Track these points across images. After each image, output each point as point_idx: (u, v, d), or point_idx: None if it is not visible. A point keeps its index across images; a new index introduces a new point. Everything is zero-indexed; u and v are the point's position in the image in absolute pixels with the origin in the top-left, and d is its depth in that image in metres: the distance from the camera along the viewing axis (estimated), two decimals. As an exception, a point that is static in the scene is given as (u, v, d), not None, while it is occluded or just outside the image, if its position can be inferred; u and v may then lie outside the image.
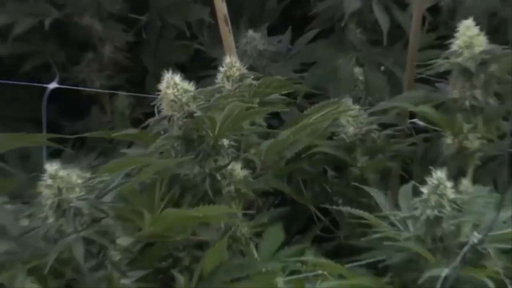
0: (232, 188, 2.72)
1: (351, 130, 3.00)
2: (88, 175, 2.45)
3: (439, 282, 2.43)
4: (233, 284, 2.51)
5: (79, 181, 2.39)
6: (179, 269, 2.65)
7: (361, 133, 3.01)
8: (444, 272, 2.42)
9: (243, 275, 2.55)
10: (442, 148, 2.91)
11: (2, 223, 2.60)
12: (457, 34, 2.81)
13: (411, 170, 3.02)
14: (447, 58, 2.83)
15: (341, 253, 2.81)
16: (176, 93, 2.58)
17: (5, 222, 2.60)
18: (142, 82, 3.34)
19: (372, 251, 2.66)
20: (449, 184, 2.49)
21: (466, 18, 2.82)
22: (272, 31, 3.49)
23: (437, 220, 2.50)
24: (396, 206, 2.68)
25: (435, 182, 2.48)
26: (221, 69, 2.88)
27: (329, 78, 3.31)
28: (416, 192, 2.53)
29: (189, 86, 2.59)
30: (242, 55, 3.09)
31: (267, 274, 2.54)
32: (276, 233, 2.79)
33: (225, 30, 3.17)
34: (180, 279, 2.54)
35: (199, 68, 3.07)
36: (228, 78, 2.86)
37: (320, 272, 2.59)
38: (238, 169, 2.74)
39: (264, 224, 2.82)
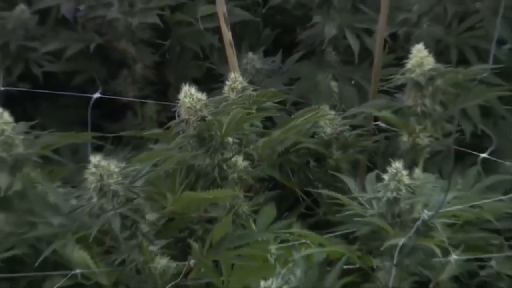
0: (235, 175, 2.73)
1: (328, 130, 3.00)
2: (123, 165, 2.46)
3: (397, 249, 2.43)
4: (236, 250, 2.51)
5: (116, 169, 2.40)
6: (194, 239, 2.65)
7: (336, 132, 3.01)
8: (401, 241, 2.42)
9: (243, 243, 2.55)
10: (399, 144, 2.92)
11: (56, 202, 2.61)
12: (411, 56, 2.81)
13: (375, 162, 3.03)
14: (403, 74, 2.83)
15: (320, 226, 2.82)
16: (192, 102, 2.59)
17: (58, 201, 2.61)
18: (166, 93, 3.33)
19: (344, 225, 2.67)
20: (404, 172, 2.50)
21: (417, 43, 2.83)
22: (266, 54, 3.48)
23: (395, 200, 2.50)
24: (364, 189, 2.68)
25: (394, 171, 2.49)
26: (227, 83, 2.88)
27: (311, 90, 3.30)
28: (379, 179, 2.53)
29: (202, 96, 2.60)
30: (243, 72, 3.08)
31: (263, 242, 2.55)
32: (269, 211, 2.79)
33: (230, 53, 3.18)
34: (195, 246, 2.54)
35: (210, 82, 3.07)
36: (232, 89, 2.86)
37: (304, 241, 2.59)
38: (240, 161, 2.75)
39: (260, 203, 2.83)
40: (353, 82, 3.36)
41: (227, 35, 3.18)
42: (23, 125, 2.73)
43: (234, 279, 2.57)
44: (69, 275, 2.51)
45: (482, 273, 2.65)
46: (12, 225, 2.66)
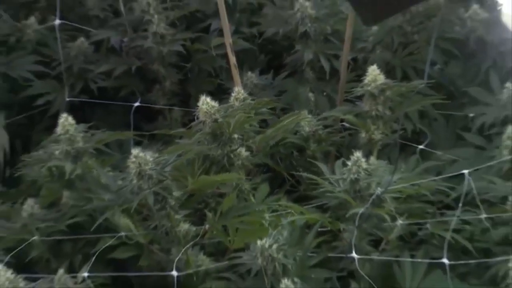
0: (239, 162, 2.70)
1: (307, 129, 2.98)
2: (156, 155, 2.43)
3: (357, 216, 2.40)
4: (239, 218, 2.48)
5: (151, 159, 2.37)
6: (208, 209, 2.63)
7: (312, 130, 2.99)
8: (361, 210, 2.40)
9: (245, 213, 2.53)
10: (359, 139, 2.91)
11: (107, 183, 2.58)
12: (367, 74, 2.79)
13: (342, 152, 3.01)
14: (362, 87, 2.81)
15: (301, 200, 2.80)
16: (208, 108, 2.56)
17: (108, 182, 2.58)
18: (188, 101, 3.31)
19: (319, 198, 2.65)
20: (363, 160, 2.47)
21: (372, 65, 2.81)
22: (261, 73, 3.46)
23: (356, 180, 2.48)
24: (333, 172, 2.66)
25: (355, 158, 2.47)
26: (233, 94, 2.86)
27: (294, 99, 3.28)
28: (344, 164, 2.51)
29: (215, 104, 2.56)
30: (244, 86, 3.06)
31: (259, 212, 2.52)
32: (264, 188, 2.76)
33: (235, 72, 3.16)
34: (209, 215, 2.52)
35: (220, 93, 3.05)
36: (236, 99, 2.83)
37: (289, 211, 2.57)
38: (243, 151, 2.73)
39: (257, 183, 2.81)
40: (325, 93, 3.34)
41: (232, 59, 3.17)
42: (82, 126, 2.72)
43: (238, 239, 2.55)
44: (116, 236, 2.50)
45: (420, 233, 2.64)
46: (74, 199, 2.65)
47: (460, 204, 2.48)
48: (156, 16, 3.35)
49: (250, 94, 2.98)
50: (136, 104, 3.20)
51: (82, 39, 3.41)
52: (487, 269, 2.43)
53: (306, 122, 2.99)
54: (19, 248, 2.53)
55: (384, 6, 1.33)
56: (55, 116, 2.79)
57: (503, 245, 2.49)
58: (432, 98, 3.03)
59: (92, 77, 3.38)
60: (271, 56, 3.62)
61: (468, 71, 3.30)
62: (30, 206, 2.66)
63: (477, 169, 2.60)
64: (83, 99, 3.31)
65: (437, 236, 2.56)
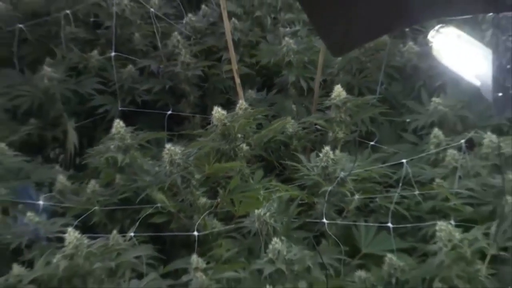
0: (242, 154, 2.68)
1: (290, 130, 2.96)
2: (183, 149, 2.40)
3: (327, 193, 2.37)
4: (242, 193, 2.46)
5: (179, 151, 2.34)
6: (220, 187, 2.59)
7: (294, 131, 2.97)
8: (329, 188, 2.36)
9: (246, 190, 2.51)
10: (327, 138, 2.87)
11: (148, 168, 2.56)
12: (334, 91, 2.78)
13: (315, 147, 2.96)
14: (330, 100, 2.79)
15: (287, 181, 2.78)
16: (219, 115, 2.54)
17: (149, 168, 2.56)
18: (205, 111, 3.27)
19: (299, 180, 2.61)
20: (330, 152, 2.44)
21: (337, 84, 2.81)
22: (258, 90, 3.43)
23: (326, 167, 2.45)
24: (309, 161, 2.62)
25: (325, 151, 2.45)
26: (237, 106, 2.83)
27: (281, 109, 3.25)
28: (317, 156, 2.49)
29: (224, 113, 2.54)
30: (246, 100, 3.03)
31: (256, 190, 2.49)
32: (259, 173, 2.75)
33: (239, 90, 3.15)
34: (220, 192, 2.50)
35: (229, 105, 3.02)
36: (240, 109, 2.82)
37: (278, 189, 2.54)
38: (244, 146, 2.70)
39: (254, 169, 2.78)
40: (303, 105, 3.31)
41: (237, 80, 3.15)
42: (130, 128, 2.69)
43: (241, 209, 2.51)
44: (154, 207, 2.47)
45: (371, 205, 2.61)
46: (124, 180, 2.63)
47: (400, 184, 2.47)
48: (183, 50, 3.32)
49: (250, 105, 2.97)
50: (169, 112, 3.17)
51: (130, 66, 3.38)
52: (419, 231, 2.41)
53: (290, 125, 2.95)
54: (84, 215, 2.52)
55: (347, 42, 1.30)
56: (111, 121, 2.76)
57: (431, 214, 2.48)
58: (380, 108, 3.01)
59: (138, 93, 3.34)
60: (265, 78, 3.59)
61: (405, 89, 3.29)
62: (92, 185, 2.64)
63: (412, 159, 2.59)
64: (131, 109, 3.28)
65: (383, 207, 2.53)
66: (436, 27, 1.29)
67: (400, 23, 1.28)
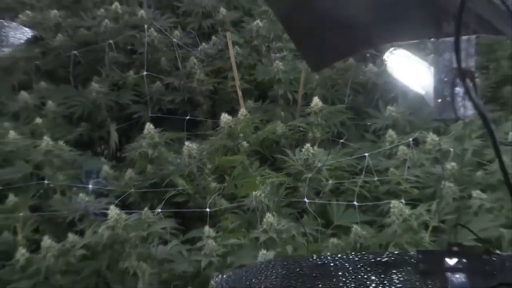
0: (243, 149, 2.66)
1: (280, 131, 2.92)
2: (198, 145, 2.36)
3: (307, 179, 2.35)
4: (243, 179, 2.44)
5: (195, 147, 2.32)
6: (226, 175, 2.56)
7: (283, 132, 2.93)
8: (309, 176, 2.33)
9: (246, 177, 2.48)
10: (308, 137, 2.84)
11: (171, 160, 2.53)
12: (313, 101, 2.75)
13: (299, 144, 2.89)
14: (309, 109, 2.78)
15: (277, 170, 2.72)
16: (226, 120, 2.52)
17: (172, 160, 2.52)
18: (216, 117, 3.20)
19: (287, 169, 2.58)
20: (310, 148, 2.41)
21: (315, 96, 2.78)
22: (255, 101, 3.35)
23: (307, 159, 2.42)
24: (294, 155, 2.59)
25: (306, 147, 2.42)
26: (240, 113, 2.81)
27: (273, 115, 3.19)
28: (300, 150, 2.47)
29: (230, 117, 2.51)
30: (246, 108, 2.99)
31: (254, 176, 2.47)
32: (256, 164, 2.71)
33: (241, 101, 3.14)
34: (227, 178, 2.47)
35: (233, 112, 2.96)
36: (241, 115, 2.80)
37: (270, 176, 2.50)
38: (244, 144, 2.68)
39: (253, 161, 2.74)
40: (290, 112, 3.25)
41: (240, 94, 3.13)
42: (158, 130, 2.66)
43: (242, 191, 2.48)
44: (176, 189, 2.43)
45: (341, 188, 2.57)
46: (153, 169, 2.59)
47: (363, 172, 2.45)
48: (198, 70, 3.28)
49: (249, 112, 2.93)
50: (187, 117, 3.14)
51: (158, 82, 3.34)
52: (378, 208, 2.39)
53: (280, 127, 2.91)
54: (123, 196, 2.49)
55: (322, 61, 1.29)
56: (143, 124, 2.74)
57: (386, 195, 2.44)
58: (347, 115, 2.98)
59: (163, 103, 3.30)
60: (260, 92, 3.54)
61: (367, 100, 3.24)
62: (129, 173, 2.61)
63: (372, 153, 2.56)
64: (158, 115, 3.23)
65: (350, 190, 2.49)
66: (390, 50, 1.26)
67: (362, 46, 1.28)
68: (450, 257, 0.84)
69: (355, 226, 2.19)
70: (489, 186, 2.32)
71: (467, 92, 0.81)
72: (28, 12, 3.54)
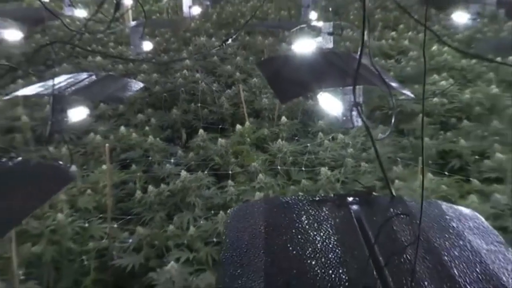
0: (247, 143, 2.55)
1: (266, 133, 2.77)
2: (225, 140, 2.25)
3: (279, 157, 2.26)
4: (248, 157, 2.35)
5: (224, 142, 2.24)
6: (239, 155, 2.47)
7: (267, 134, 2.77)
8: (280, 155, 2.25)
9: (249, 156, 2.40)
10: (280, 136, 2.67)
11: (212, 148, 2.41)
12: (282, 119, 2.66)
13: (276, 140, 2.75)
14: (281, 122, 2.65)
15: (265, 152, 2.57)
16: (239, 128, 2.43)
17: (212, 148, 2.41)
18: (234, 126, 3.01)
19: (270, 152, 2.46)
20: (281, 142, 2.33)
21: (283, 116, 2.67)
22: (254, 118, 3.21)
23: (279, 147, 2.32)
24: (273, 145, 2.48)
25: (279, 141, 2.33)
26: (245, 124, 2.69)
27: (262, 125, 2.97)
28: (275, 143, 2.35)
29: (240, 126, 2.42)
30: (249, 121, 2.87)
31: (253, 155, 2.38)
32: (254, 150, 2.60)
33: (246, 118, 2.98)
34: (239, 156, 2.39)
35: (242, 124, 2.83)
36: (246, 125, 2.67)
37: (261, 155, 2.42)
38: (248, 140, 2.58)
39: (252, 148, 2.63)
40: (271, 124, 3.06)
41: (246, 115, 2.97)
42: (205, 133, 2.52)
43: (247, 162, 2.36)
44: (214, 162, 2.32)
45: (296, 161, 2.41)
46: (203, 152, 2.46)
47: (307, 153, 2.35)
48: (225, 103, 3.14)
49: (250, 123, 2.82)
50: (220, 126, 2.98)
51: (206, 109, 3.15)
52: (314, 171, 2.28)
53: (266, 132, 2.77)
54: (188, 165, 2.37)
55: (287, 95, 1.25)
56: (198, 130, 2.66)
57: (319, 165, 2.31)
58: (299, 125, 2.84)
59: (208, 119, 3.11)
60: (256, 114, 3.36)
61: (309, 118, 2.99)
62: (191, 154, 2.49)
63: (311, 144, 2.45)
64: (206, 125, 3.02)
65: (301, 162, 2.37)
66: (320, 93, 1.25)
67: (307, 90, 1.26)
68: (351, 197, 0.83)
69: (303, 180, 2.15)
70: (369, 160, 2.30)
71: (358, 113, 0.80)
72: (142, 74, 3.56)
